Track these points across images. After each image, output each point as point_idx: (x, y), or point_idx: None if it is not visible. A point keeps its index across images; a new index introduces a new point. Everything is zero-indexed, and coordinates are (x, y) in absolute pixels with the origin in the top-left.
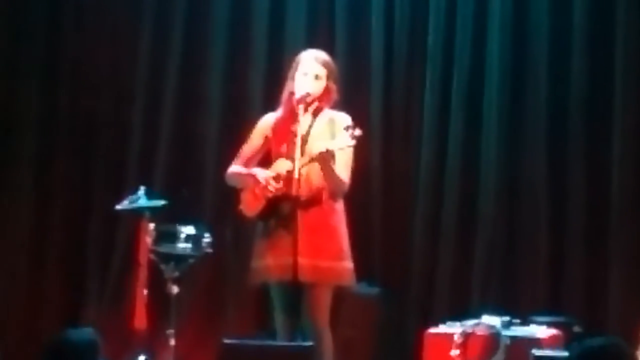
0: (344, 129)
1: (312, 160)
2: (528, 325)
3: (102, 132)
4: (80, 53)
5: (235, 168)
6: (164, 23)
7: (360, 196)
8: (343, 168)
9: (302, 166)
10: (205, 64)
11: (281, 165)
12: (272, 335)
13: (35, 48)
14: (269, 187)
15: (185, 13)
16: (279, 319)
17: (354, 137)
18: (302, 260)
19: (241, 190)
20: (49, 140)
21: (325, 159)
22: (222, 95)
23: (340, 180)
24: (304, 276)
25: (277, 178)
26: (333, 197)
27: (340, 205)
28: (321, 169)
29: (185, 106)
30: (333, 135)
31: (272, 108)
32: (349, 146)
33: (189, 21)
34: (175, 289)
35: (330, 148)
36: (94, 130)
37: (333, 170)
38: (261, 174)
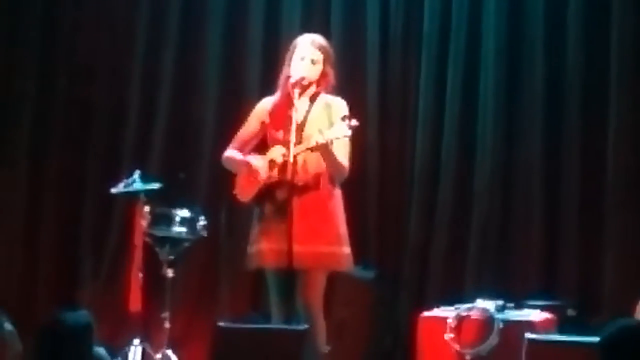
0: (341, 119)
1: (311, 149)
2: (522, 309)
3: (99, 117)
4: (77, 39)
5: (230, 152)
6: (161, 8)
7: (356, 180)
8: (342, 154)
9: (299, 153)
10: (201, 49)
11: (277, 151)
12: (267, 318)
13: (32, 33)
14: (260, 177)
15: None
16: (274, 304)
17: (350, 127)
18: (297, 247)
19: (236, 174)
20: (45, 124)
21: (325, 148)
22: (219, 80)
23: (342, 165)
24: (299, 262)
25: (271, 164)
26: (332, 182)
27: (338, 191)
28: (323, 157)
29: (181, 91)
30: (330, 121)
31: (269, 93)
32: (346, 136)
33: (185, 6)
34: (170, 272)
35: (326, 138)
36: (90, 114)
37: (335, 157)
38: (254, 162)
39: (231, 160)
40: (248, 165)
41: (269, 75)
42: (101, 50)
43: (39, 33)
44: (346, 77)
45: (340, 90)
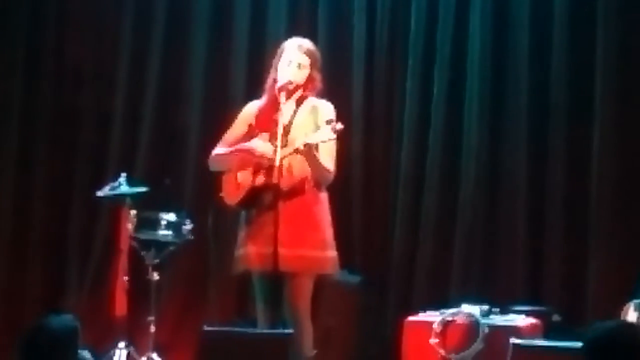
0: (326, 122)
1: (295, 152)
2: (507, 314)
3: (85, 121)
4: (63, 44)
5: (220, 150)
6: (146, 14)
7: (341, 186)
8: (327, 157)
9: (284, 157)
10: (187, 55)
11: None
12: (252, 322)
13: (18, 38)
14: (268, 157)
15: (167, 4)
16: (260, 308)
17: (335, 130)
18: (282, 250)
19: (223, 177)
20: (31, 129)
21: (309, 151)
22: (204, 85)
23: (326, 169)
24: (284, 266)
25: (257, 167)
26: (318, 186)
27: (324, 195)
28: (307, 161)
29: (167, 96)
30: (316, 124)
31: (254, 99)
32: (330, 139)
33: (170, 12)
34: (155, 276)
35: (311, 142)
36: (76, 119)
37: (318, 161)
38: (260, 146)
39: (222, 156)
40: (252, 150)
41: (254, 81)
42: (87, 55)
43: (25, 38)
44: (332, 83)
45: (326, 96)
